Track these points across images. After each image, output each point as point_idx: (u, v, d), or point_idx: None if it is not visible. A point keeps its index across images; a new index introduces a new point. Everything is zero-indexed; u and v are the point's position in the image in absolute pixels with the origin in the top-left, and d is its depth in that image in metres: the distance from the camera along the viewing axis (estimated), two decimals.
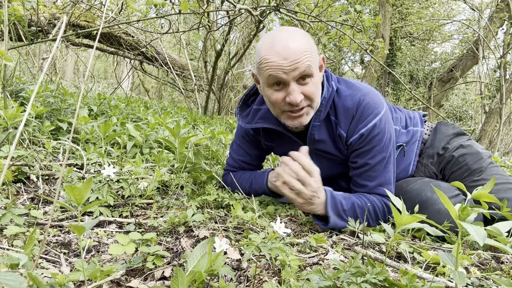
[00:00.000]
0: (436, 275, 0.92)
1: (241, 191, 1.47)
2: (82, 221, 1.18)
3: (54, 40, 2.78)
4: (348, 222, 1.24)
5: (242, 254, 1.00)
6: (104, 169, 1.19)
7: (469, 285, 0.92)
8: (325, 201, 1.26)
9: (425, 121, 1.70)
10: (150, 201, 1.41)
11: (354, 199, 1.31)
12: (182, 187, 1.54)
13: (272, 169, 1.50)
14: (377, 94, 1.37)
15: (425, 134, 1.65)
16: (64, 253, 0.98)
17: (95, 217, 1.19)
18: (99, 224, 1.19)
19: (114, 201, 1.34)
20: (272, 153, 1.68)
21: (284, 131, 1.42)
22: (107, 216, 1.22)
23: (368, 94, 1.32)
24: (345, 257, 1.04)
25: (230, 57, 4.97)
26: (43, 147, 1.79)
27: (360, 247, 1.11)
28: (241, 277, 0.90)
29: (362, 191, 1.36)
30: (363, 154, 1.33)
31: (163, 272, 0.89)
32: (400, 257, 1.12)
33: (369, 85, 1.43)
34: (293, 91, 1.18)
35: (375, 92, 1.37)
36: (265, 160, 2.41)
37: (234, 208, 1.22)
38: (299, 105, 1.21)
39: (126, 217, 1.26)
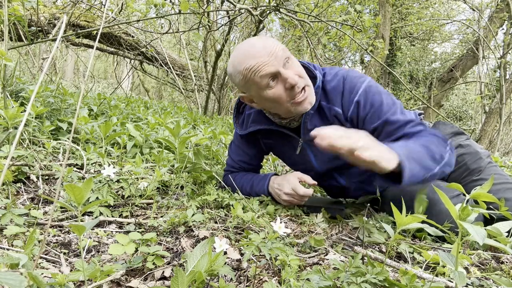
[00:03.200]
0: (436, 275, 0.92)
1: (241, 192, 1.48)
2: (82, 221, 1.18)
3: (54, 40, 2.78)
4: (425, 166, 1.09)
5: (242, 254, 1.00)
6: (104, 169, 1.19)
7: (469, 285, 0.92)
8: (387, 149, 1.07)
9: (421, 120, 1.70)
10: (150, 201, 1.41)
11: (408, 142, 1.16)
12: (182, 187, 1.54)
13: (274, 174, 1.51)
14: (357, 71, 1.39)
15: None
16: (64, 253, 0.98)
17: (95, 217, 1.19)
18: (99, 224, 1.19)
19: (114, 201, 1.34)
20: (271, 153, 1.69)
21: (278, 128, 1.43)
22: (107, 216, 1.22)
23: (349, 70, 1.36)
24: (345, 257, 1.04)
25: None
26: (43, 147, 1.79)
27: (360, 247, 1.11)
28: (241, 277, 0.90)
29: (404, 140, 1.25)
30: (374, 116, 1.27)
31: (163, 272, 0.89)
32: (400, 257, 1.12)
33: None
34: (287, 75, 1.20)
35: (354, 69, 1.41)
36: (265, 160, 2.42)
37: (234, 208, 1.22)
38: (298, 85, 1.22)
39: (126, 217, 1.26)
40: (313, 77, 1.35)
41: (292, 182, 1.39)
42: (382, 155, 1.03)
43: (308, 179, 1.42)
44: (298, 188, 1.37)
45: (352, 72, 1.36)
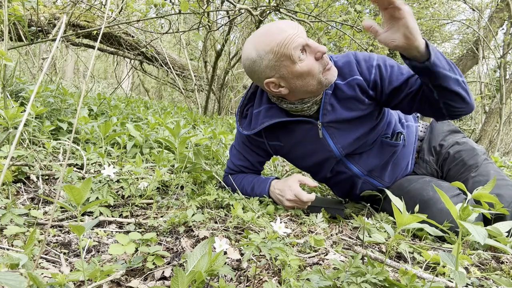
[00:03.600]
0: (436, 275, 0.92)
1: (241, 193, 1.48)
2: (82, 221, 1.18)
3: (54, 40, 2.78)
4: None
5: (242, 254, 1.00)
6: (104, 169, 1.19)
7: (469, 285, 0.92)
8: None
9: (418, 117, 1.71)
10: (150, 201, 1.41)
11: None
12: (182, 187, 1.54)
13: (276, 178, 1.50)
14: None
15: (420, 131, 1.66)
16: (64, 253, 0.98)
17: (95, 217, 1.19)
18: (99, 224, 1.19)
19: (114, 201, 1.34)
20: (279, 156, 1.63)
21: (293, 118, 1.40)
22: (107, 216, 1.22)
23: (356, 51, 1.40)
24: (345, 257, 1.04)
25: (230, 57, 4.97)
26: (43, 147, 1.79)
27: (360, 247, 1.11)
28: (241, 277, 0.90)
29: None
30: (397, 73, 1.32)
31: (163, 272, 0.89)
32: (400, 257, 1.12)
33: None
34: (314, 45, 1.23)
35: None
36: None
37: (234, 208, 1.22)
38: (327, 53, 1.26)
39: (126, 217, 1.26)
40: None
41: (294, 189, 1.38)
42: (414, 26, 1.06)
43: (309, 181, 1.42)
44: (301, 195, 1.37)
45: (359, 52, 1.40)
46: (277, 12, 3.34)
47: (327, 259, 1.01)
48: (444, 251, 1.15)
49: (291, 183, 1.40)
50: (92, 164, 1.69)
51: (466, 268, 1.02)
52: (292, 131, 1.47)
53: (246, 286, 0.86)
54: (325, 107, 1.37)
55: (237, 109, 1.54)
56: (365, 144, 1.46)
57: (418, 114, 1.71)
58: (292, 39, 1.19)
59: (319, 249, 1.09)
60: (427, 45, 1.12)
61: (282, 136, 1.49)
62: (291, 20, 3.19)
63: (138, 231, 1.13)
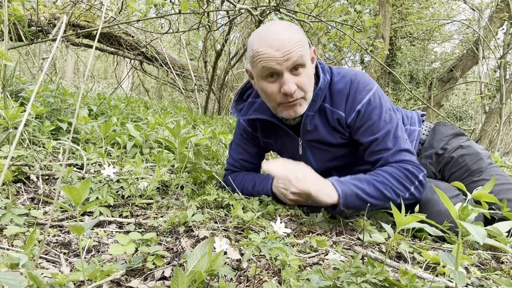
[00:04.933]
0: (436, 275, 0.92)
1: (242, 192, 1.48)
2: (81, 221, 1.18)
3: (54, 40, 2.78)
4: (371, 200, 1.23)
5: (242, 254, 1.00)
6: (104, 169, 1.19)
7: (469, 285, 0.92)
8: (335, 189, 1.23)
9: (423, 121, 1.69)
10: (150, 201, 1.41)
11: (368, 177, 1.27)
12: (182, 187, 1.54)
13: None
14: (366, 74, 1.39)
15: (423, 134, 1.65)
16: (64, 253, 0.98)
17: (95, 217, 1.19)
18: (99, 224, 1.19)
19: (114, 201, 1.34)
20: (270, 151, 1.68)
21: (279, 123, 1.43)
22: (107, 216, 1.22)
23: (357, 74, 1.36)
24: (345, 257, 1.04)
25: (230, 57, 4.97)
26: (43, 147, 1.79)
27: (360, 247, 1.11)
28: (241, 277, 0.90)
29: (379, 165, 1.33)
30: (367, 131, 1.32)
31: (163, 272, 0.89)
32: (400, 257, 1.12)
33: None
34: (287, 81, 1.19)
35: (364, 72, 1.40)
36: (265, 160, 2.41)
37: (234, 208, 1.22)
38: (293, 95, 1.22)
39: (126, 217, 1.26)
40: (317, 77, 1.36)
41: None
42: (319, 189, 1.18)
43: None
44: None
45: (361, 76, 1.35)
46: (277, 12, 3.34)
47: (327, 259, 1.01)
48: (444, 251, 1.15)
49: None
50: (92, 164, 1.69)
51: (466, 268, 1.02)
52: (279, 134, 1.50)
53: (246, 286, 0.86)
54: (305, 127, 1.39)
55: (239, 90, 1.55)
56: (349, 164, 1.48)
57: (424, 117, 1.70)
58: (267, 60, 1.17)
59: (319, 249, 1.09)
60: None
61: (272, 135, 1.52)
62: (291, 20, 3.19)
63: (138, 231, 1.13)
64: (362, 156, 1.38)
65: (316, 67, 1.36)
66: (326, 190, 1.22)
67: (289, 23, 1.26)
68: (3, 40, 2.37)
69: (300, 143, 1.46)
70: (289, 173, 1.41)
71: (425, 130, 1.66)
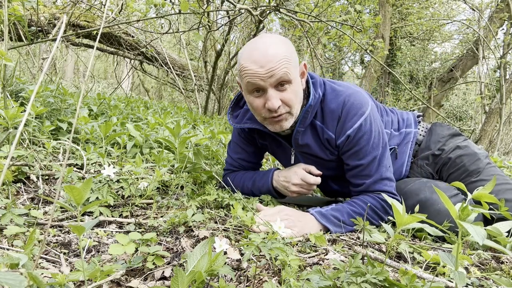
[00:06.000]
0: (436, 275, 0.92)
1: (242, 191, 1.49)
2: (82, 221, 1.18)
3: (54, 40, 2.78)
4: (347, 226, 1.28)
5: (242, 254, 1.00)
6: (104, 169, 1.19)
7: (469, 285, 0.92)
8: (316, 220, 1.27)
9: (420, 122, 1.69)
10: (150, 201, 1.41)
11: (347, 208, 1.32)
12: (182, 187, 1.54)
13: (277, 169, 1.51)
14: (362, 93, 1.37)
15: (420, 135, 1.64)
16: (64, 253, 0.98)
17: (95, 217, 1.19)
18: (99, 224, 1.19)
19: (114, 201, 1.34)
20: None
21: (271, 133, 1.44)
22: (107, 216, 1.22)
23: (352, 94, 1.33)
24: (345, 257, 1.04)
25: (230, 57, 4.97)
26: (43, 147, 1.79)
27: (360, 247, 1.11)
28: (241, 277, 0.90)
29: (360, 190, 1.38)
30: (354, 155, 1.35)
31: (163, 272, 0.89)
32: (400, 257, 1.12)
33: (355, 85, 1.44)
34: (271, 97, 1.20)
35: (360, 91, 1.38)
36: (265, 160, 2.41)
37: (234, 208, 1.22)
38: (277, 111, 1.23)
39: (126, 217, 1.26)
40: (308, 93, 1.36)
41: (300, 173, 1.41)
42: (303, 229, 1.22)
43: (314, 169, 1.44)
44: (307, 178, 1.40)
45: (354, 97, 1.32)
46: (277, 12, 3.34)
47: (327, 259, 1.01)
48: (444, 251, 1.15)
49: (296, 169, 1.43)
50: (92, 164, 1.69)
51: (466, 268, 1.02)
52: (274, 141, 1.51)
53: (246, 286, 0.86)
54: (296, 141, 1.40)
55: (235, 96, 1.57)
56: (341, 174, 1.49)
57: (421, 118, 1.70)
58: (252, 75, 1.18)
59: (319, 249, 1.09)
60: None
61: (267, 139, 1.54)
62: (291, 19, 3.19)
63: (138, 231, 1.13)
64: (346, 172, 1.42)
65: (308, 82, 1.35)
66: (309, 226, 1.25)
67: (279, 37, 1.26)
68: (3, 40, 2.37)
69: (292, 152, 1.48)
70: (289, 170, 1.42)
71: (421, 131, 1.65)
